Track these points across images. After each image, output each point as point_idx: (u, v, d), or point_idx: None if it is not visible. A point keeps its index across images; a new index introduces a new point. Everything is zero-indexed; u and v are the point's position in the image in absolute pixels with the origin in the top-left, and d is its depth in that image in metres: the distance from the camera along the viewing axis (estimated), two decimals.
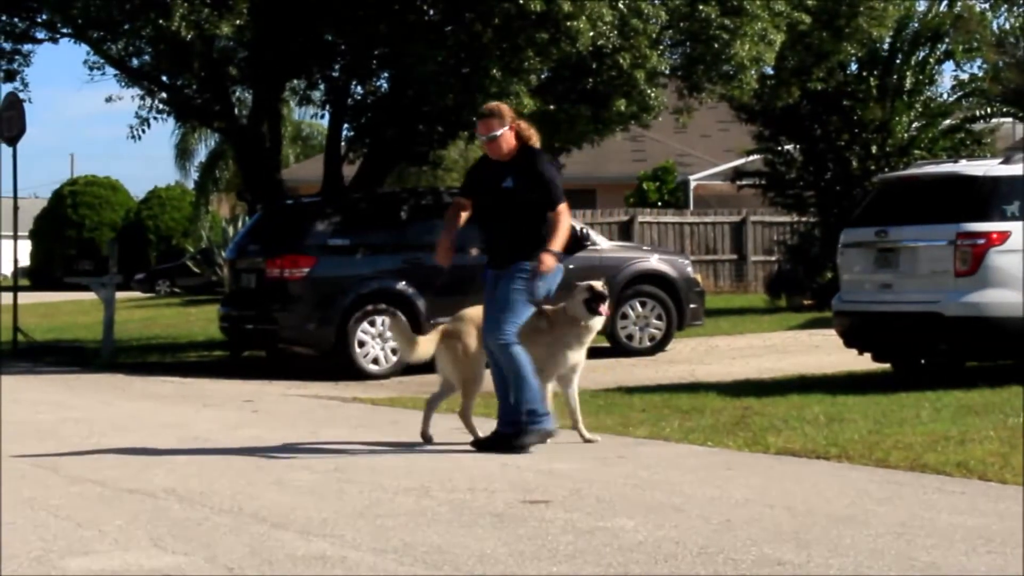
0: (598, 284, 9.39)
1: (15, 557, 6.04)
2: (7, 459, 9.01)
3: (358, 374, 15.91)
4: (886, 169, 23.15)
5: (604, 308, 9.33)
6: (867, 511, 6.80)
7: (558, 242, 9.05)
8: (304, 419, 11.45)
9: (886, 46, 24.62)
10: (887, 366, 13.45)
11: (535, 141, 9.29)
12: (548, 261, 8.95)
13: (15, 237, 22.65)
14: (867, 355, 13.27)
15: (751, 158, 28.15)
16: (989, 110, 26.32)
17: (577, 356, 9.41)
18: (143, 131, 20.25)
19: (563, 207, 9.14)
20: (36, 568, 5.87)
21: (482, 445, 9.17)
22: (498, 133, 9.12)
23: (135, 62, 20.10)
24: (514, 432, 9.07)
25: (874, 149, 24.70)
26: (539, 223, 9.14)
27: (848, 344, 13.38)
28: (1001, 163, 12.84)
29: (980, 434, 9.15)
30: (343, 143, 20.79)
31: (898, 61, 24.95)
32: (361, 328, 16.06)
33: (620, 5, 17.15)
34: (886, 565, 5.70)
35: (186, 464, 8.72)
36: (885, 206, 13.16)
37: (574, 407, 9.47)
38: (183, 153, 52.22)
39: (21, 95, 21.05)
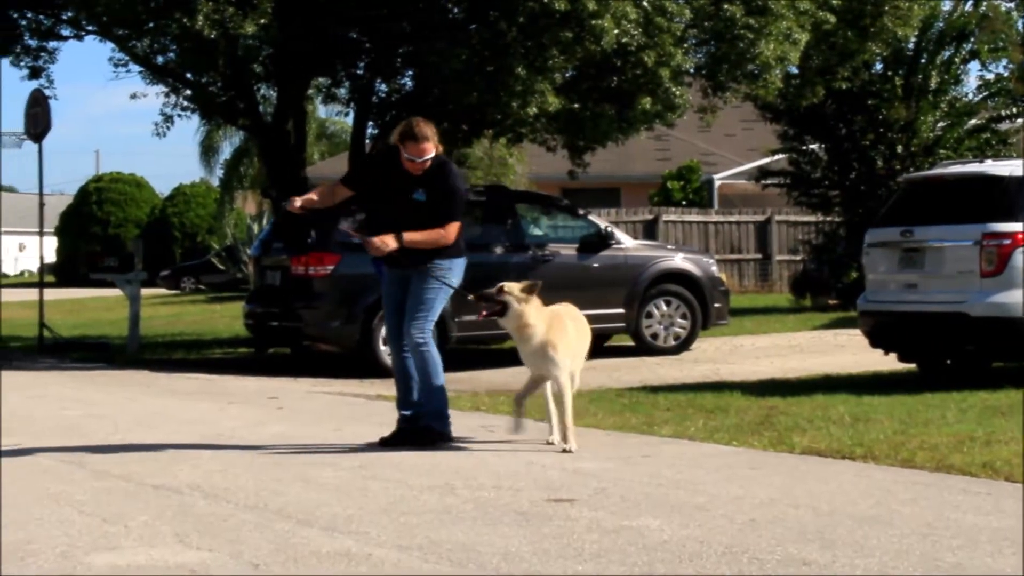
0: (500, 287, 9.08)
1: (40, 552, 6.07)
2: (35, 454, 9.06)
3: (383, 371, 15.85)
4: (911, 169, 23.11)
5: (484, 311, 9.12)
6: (892, 511, 6.78)
7: (415, 237, 9.03)
8: (329, 416, 11.46)
9: (911, 45, 24.56)
10: (912, 366, 13.42)
11: (441, 150, 9.30)
12: (383, 240, 8.96)
13: (40, 233, 22.72)
14: (892, 355, 13.24)
15: (776, 157, 28.09)
16: (1015, 110, 26.19)
17: (524, 347, 9.05)
18: (167, 128, 20.38)
19: (453, 226, 9.12)
20: (61, 563, 5.89)
21: (387, 442, 9.26)
22: (431, 156, 9.12)
23: (160, 60, 20.18)
24: (425, 428, 9.19)
25: (899, 149, 24.65)
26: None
27: (873, 344, 13.35)
28: None
29: (1006, 435, 9.12)
30: (368, 141, 20.81)
31: (923, 60, 24.88)
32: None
33: (644, 3, 17.14)
34: (911, 566, 5.68)
35: (211, 460, 8.74)
36: (910, 206, 13.12)
37: (550, 407, 9.21)
38: (208, 150, 52.26)
39: (46, 92, 21.12)
